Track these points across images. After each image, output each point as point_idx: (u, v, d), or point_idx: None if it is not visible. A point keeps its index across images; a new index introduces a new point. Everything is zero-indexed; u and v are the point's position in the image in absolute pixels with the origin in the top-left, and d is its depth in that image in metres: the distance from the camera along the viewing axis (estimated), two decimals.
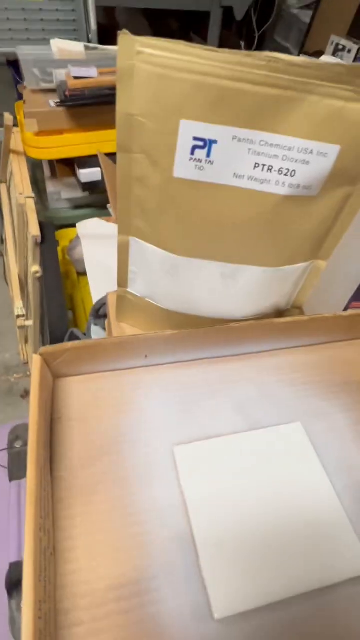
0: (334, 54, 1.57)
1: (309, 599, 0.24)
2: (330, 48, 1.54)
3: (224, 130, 0.24)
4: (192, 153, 0.24)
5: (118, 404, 0.32)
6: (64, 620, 0.22)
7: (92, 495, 0.27)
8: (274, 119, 0.24)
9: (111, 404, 0.32)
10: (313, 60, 0.22)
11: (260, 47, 1.71)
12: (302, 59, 0.22)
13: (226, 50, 0.21)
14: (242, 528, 0.25)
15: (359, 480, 0.29)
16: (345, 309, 0.37)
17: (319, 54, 1.55)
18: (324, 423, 0.32)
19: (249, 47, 1.67)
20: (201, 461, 0.28)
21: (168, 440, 0.30)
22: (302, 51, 1.62)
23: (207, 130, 0.24)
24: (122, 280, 0.34)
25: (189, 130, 0.24)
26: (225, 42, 1.69)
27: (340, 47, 1.56)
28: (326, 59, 1.36)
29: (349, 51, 1.53)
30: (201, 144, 0.24)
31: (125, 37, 0.22)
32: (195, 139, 0.24)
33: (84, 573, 0.24)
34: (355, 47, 1.51)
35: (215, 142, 0.24)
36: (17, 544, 0.45)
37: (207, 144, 0.24)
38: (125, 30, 0.21)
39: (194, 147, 0.24)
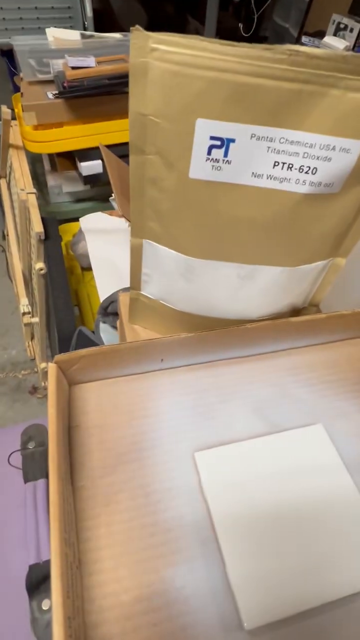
0: (335, 34, 1.53)
1: (339, 605, 0.23)
2: (331, 27, 1.51)
3: (242, 128, 0.23)
4: (209, 153, 0.23)
5: (135, 410, 0.31)
6: (94, 635, 0.22)
7: (114, 505, 0.26)
8: (295, 115, 0.22)
9: (128, 409, 0.31)
10: (335, 52, 0.21)
11: (258, 29, 1.66)
12: (323, 50, 0.21)
13: (245, 44, 0.20)
14: (269, 535, 0.25)
15: None
16: None
17: (320, 34, 1.51)
18: (345, 423, 0.32)
19: (247, 29, 1.63)
20: (223, 467, 0.28)
21: (187, 445, 0.29)
22: (302, 31, 1.58)
23: (224, 129, 0.23)
24: (135, 283, 0.33)
25: (205, 129, 0.23)
26: (222, 24, 1.65)
27: (342, 26, 1.52)
28: (329, 39, 1.33)
29: (351, 30, 1.49)
30: (218, 143, 0.23)
31: (138, 33, 0.21)
32: (212, 138, 0.23)
33: (111, 585, 0.24)
34: (357, 26, 1.47)
35: (233, 140, 0.23)
36: (35, 546, 0.45)
37: (224, 143, 0.23)
38: (137, 26, 0.20)
39: (211, 147, 0.23)
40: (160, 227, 0.28)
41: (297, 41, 1.49)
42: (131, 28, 0.20)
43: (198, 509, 0.27)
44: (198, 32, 1.67)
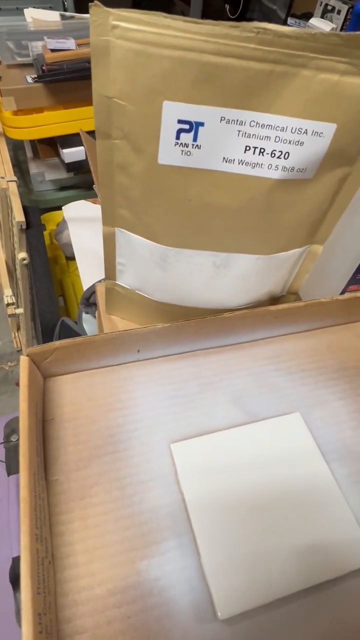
0: (322, 16, 1.50)
1: (311, 593, 0.24)
2: (319, 9, 1.48)
3: (210, 111, 0.22)
4: (178, 137, 0.23)
5: (111, 402, 0.31)
6: (67, 629, 0.22)
7: (88, 498, 0.26)
8: (265, 97, 0.22)
9: (104, 402, 0.31)
10: (305, 30, 0.20)
11: (245, 10, 1.63)
12: (292, 29, 0.20)
13: (209, 21, 0.19)
14: (244, 524, 0.25)
15: (358, 468, 0.28)
16: (342, 293, 0.36)
17: (307, 15, 1.48)
18: (323, 411, 0.31)
19: (234, 10, 1.59)
20: (199, 458, 0.28)
21: (164, 437, 0.29)
22: (289, 13, 1.55)
23: (192, 112, 0.22)
24: (110, 273, 0.32)
25: (172, 112, 0.22)
26: (208, 6, 1.61)
27: (330, 7, 1.50)
28: (315, 21, 1.30)
29: (339, 12, 1.46)
30: (187, 127, 0.22)
31: (97, 9, 0.19)
32: (180, 121, 0.22)
33: (85, 579, 0.23)
34: (345, 8, 1.44)
35: (201, 124, 0.22)
36: (18, 539, 0.45)
37: (193, 127, 0.22)
38: (96, 2, 0.19)
39: (179, 131, 0.22)
40: (131, 214, 0.27)
41: (284, 23, 1.46)
42: (90, 4, 0.19)
43: (174, 500, 0.26)
44: (184, 13, 1.63)
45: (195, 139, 0.23)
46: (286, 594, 0.23)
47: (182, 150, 0.23)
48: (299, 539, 0.25)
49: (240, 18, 1.58)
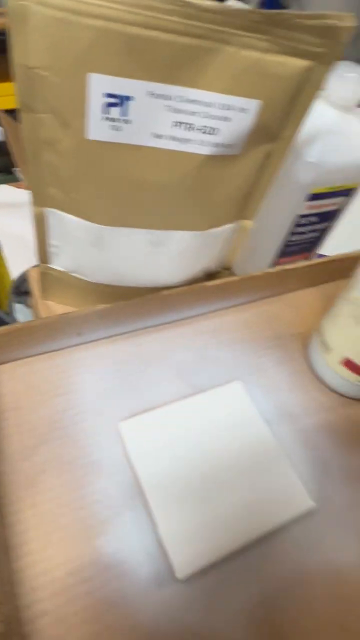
0: None
1: (260, 543, 0.25)
2: None
3: (138, 84, 0.22)
4: (106, 111, 0.22)
5: (54, 387, 0.30)
6: (28, 615, 0.22)
7: (38, 485, 0.26)
8: (191, 72, 0.22)
9: (47, 388, 0.30)
10: (228, 5, 0.20)
11: None
12: (215, 3, 0.20)
13: None
14: (195, 489, 0.26)
15: (297, 428, 0.31)
16: (273, 266, 0.38)
17: None
18: (262, 378, 0.33)
19: None
20: (147, 433, 0.28)
21: (112, 417, 0.29)
22: None
23: (120, 85, 0.22)
24: (43, 256, 0.31)
25: (99, 85, 0.21)
26: None
27: None
28: (231, 3, 1.31)
29: None
30: (115, 101, 0.22)
31: None
32: (107, 95, 0.22)
33: (41, 564, 0.23)
34: None
35: (130, 98, 0.22)
36: None
37: (121, 101, 0.22)
38: None
39: (108, 105, 0.22)
40: (62, 193, 0.26)
41: None
42: None
43: (126, 476, 0.27)
44: None
45: (124, 114, 0.22)
46: (236, 547, 0.25)
47: (112, 125, 0.23)
48: (245, 496, 0.26)
49: None
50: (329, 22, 0.21)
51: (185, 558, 0.24)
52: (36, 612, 0.22)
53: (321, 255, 0.42)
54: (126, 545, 0.24)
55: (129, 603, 0.23)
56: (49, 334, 0.30)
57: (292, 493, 0.27)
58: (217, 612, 0.23)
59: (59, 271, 0.32)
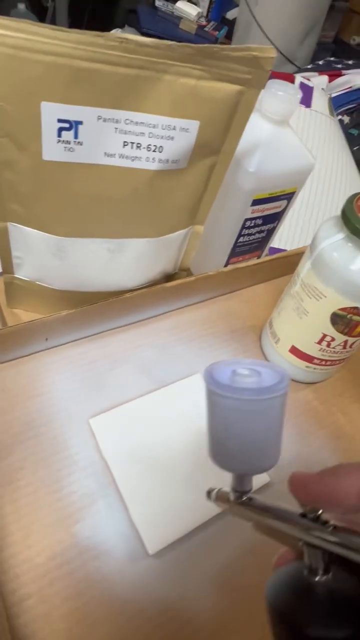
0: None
1: (222, 517, 0.28)
2: None
3: (87, 110, 0.24)
4: (59, 135, 0.24)
5: (25, 391, 0.32)
6: (12, 599, 0.24)
7: (16, 482, 0.28)
8: (135, 98, 0.24)
9: (18, 392, 0.32)
10: (163, 42, 0.23)
11: None
12: (152, 40, 0.23)
13: (76, 30, 0.21)
14: (161, 473, 0.29)
15: None
16: (226, 265, 0.41)
17: None
18: None
19: None
20: (116, 426, 0.31)
21: (82, 415, 0.31)
22: None
23: (70, 112, 0.24)
24: (7, 267, 0.33)
25: (51, 112, 0.23)
26: None
27: None
28: (182, 4, 1.34)
29: None
30: (67, 125, 0.24)
31: None
32: (59, 120, 0.24)
33: (23, 553, 0.25)
34: None
35: (80, 123, 0.24)
36: None
37: (72, 125, 0.24)
38: None
39: (60, 129, 0.24)
40: (22, 209, 0.28)
41: (153, 4, 1.47)
42: None
43: (98, 468, 0.29)
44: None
45: (76, 136, 0.25)
46: (201, 522, 0.28)
47: (65, 147, 0.25)
48: (207, 478, 0.29)
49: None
50: (253, 53, 0.24)
51: (155, 536, 0.27)
52: (21, 595, 0.24)
53: (274, 249, 0.45)
54: (101, 529, 0.27)
55: (107, 579, 0.25)
56: (18, 341, 0.32)
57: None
58: (186, 581, 0.26)
59: (24, 280, 0.34)
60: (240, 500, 0.19)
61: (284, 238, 0.63)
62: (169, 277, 0.39)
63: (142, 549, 0.26)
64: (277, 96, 0.31)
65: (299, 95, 0.31)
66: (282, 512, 0.17)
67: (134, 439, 0.30)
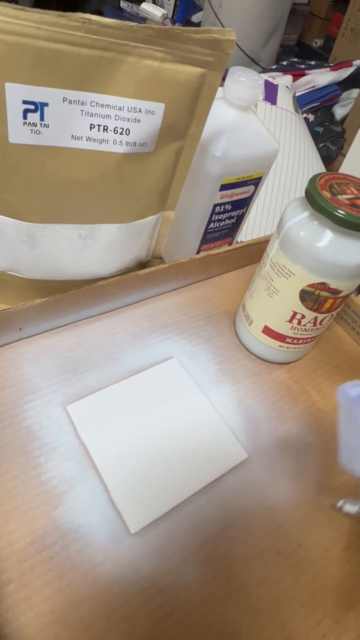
0: (153, 1, 1.56)
1: (203, 493, 0.29)
2: None
3: (52, 92, 0.24)
4: (25, 117, 0.24)
5: (1, 381, 0.32)
6: None
7: None
8: (100, 80, 0.25)
9: None
10: (124, 22, 0.23)
11: None
12: (114, 20, 0.23)
13: (39, 10, 0.21)
14: (141, 454, 0.29)
15: (230, 392, 0.35)
16: (198, 252, 0.41)
17: (138, 0, 1.52)
18: (196, 354, 0.37)
19: None
20: (94, 411, 0.31)
21: (59, 402, 0.31)
22: None
23: (35, 93, 0.24)
24: None
25: (16, 93, 0.23)
26: None
27: None
28: (147, 6, 1.35)
29: None
30: (32, 107, 0.24)
31: None
32: (25, 102, 0.24)
33: (2, 539, 0.25)
34: None
35: (46, 104, 0.24)
36: None
37: (38, 107, 0.24)
38: None
39: (26, 111, 0.24)
40: None
41: (118, 5, 1.48)
42: None
43: (77, 452, 0.29)
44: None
45: (42, 119, 0.25)
46: (182, 499, 0.28)
47: (32, 129, 0.25)
48: (187, 454, 0.30)
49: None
50: (214, 35, 0.25)
51: (136, 515, 0.27)
52: (1, 580, 0.24)
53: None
54: (83, 512, 0.27)
55: (90, 560, 0.25)
56: None
57: (228, 448, 0.31)
58: (170, 557, 0.26)
59: None
60: None
61: (253, 231, 0.64)
62: (142, 265, 0.39)
63: (124, 529, 0.26)
64: (240, 82, 0.32)
65: (261, 81, 0.32)
66: None
67: (112, 423, 0.30)
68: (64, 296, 0.33)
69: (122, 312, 0.39)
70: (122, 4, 1.39)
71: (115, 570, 0.25)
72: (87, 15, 0.22)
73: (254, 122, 0.34)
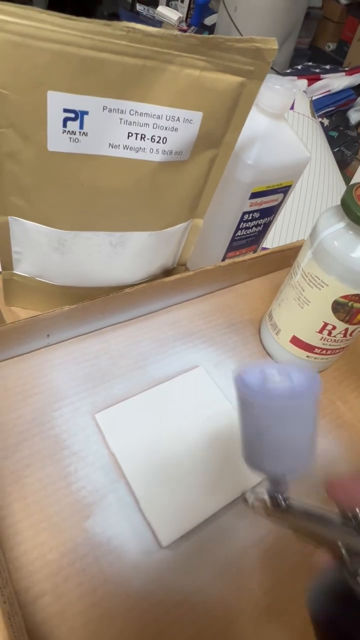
0: (167, 4, 1.56)
1: (233, 506, 0.28)
2: None
3: (93, 100, 0.24)
4: (65, 125, 0.24)
5: (29, 388, 0.31)
6: (27, 597, 0.23)
7: (24, 479, 0.27)
8: (140, 88, 0.24)
9: (21, 389, 0.31)
10: (168, 31, 0.23)
11: None
12: (157, 30, 0.23)
13: (84, 19, 0.21)
14: (170, 467, 0.29)
15: None
16: (223, 260, 0.41)
17: (154, 2, 1.53)
18: (221, 362, 0.37)
19: None
20: (122, 421, 0.30)
21: (87, 410, 0.31)
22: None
23: (76, 101, 0.24)
24: (6, 263, 0.32)
25: (57, 101, 0.23)
26: None
27: None
28: (162, 9, 1.35)
29: (182, 0, 1.54)
30: (72, 115, 0.24)
31: None
32: (65, 110, 0.24)
33: (35, 550, 0.25)
34: None
35: (86, 113, 0.24)
36: None
37: (78, 115, 0.24)
38: None
39: (66, 119, 0.24)
40: (24, 202, 0.28)
41: (132, 8, 1.48)
42: None
43: (106, 462, 0.29)
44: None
45: (81, 127, 0.24)
46: (212, 512, 0.27)
47: (70, 138, 0.25)
48: (216, 464, 0.29)
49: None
50: (256, 45, 0.24)
51: (167, 528, 0.26)
52: (36, 592, 0.23)
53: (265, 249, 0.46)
54: (113, 523, 0.27)
55: (122, 573, 0.25)
56: (19, 337, 0.31)
57: None
58: (202, 572, 0.26)
59: (23, 277, 0.33)
60: (280, 507, 0.19)
61: (273, 236, 0.64)
62: (168, 272, 0.39)
63: (154, 542, 0.26)
64: (275, 90, 0.31)
65: (295, 89, 0.32)
66: (324, 518, 0.17)
67: (140, 433, 0.30)
68: (92, 303, 0.33)
69: (147, 319, 0.38)
70: (139, 8, 1.39)
71: (146, 584, 0.25)
72: (132, 25, 0.22)
73: (286, 130, 0.34)
